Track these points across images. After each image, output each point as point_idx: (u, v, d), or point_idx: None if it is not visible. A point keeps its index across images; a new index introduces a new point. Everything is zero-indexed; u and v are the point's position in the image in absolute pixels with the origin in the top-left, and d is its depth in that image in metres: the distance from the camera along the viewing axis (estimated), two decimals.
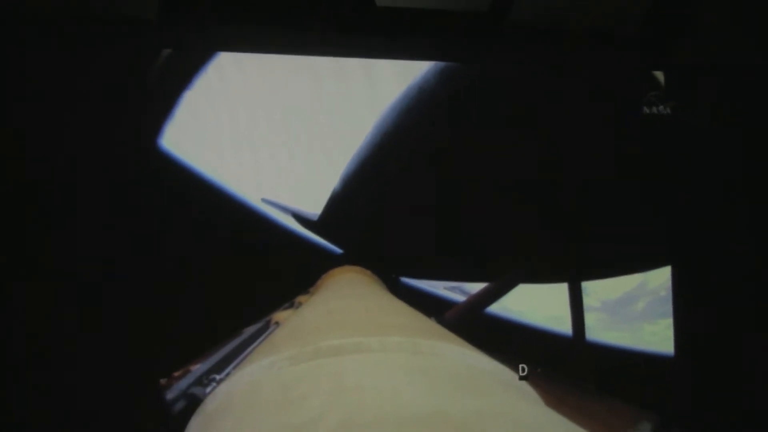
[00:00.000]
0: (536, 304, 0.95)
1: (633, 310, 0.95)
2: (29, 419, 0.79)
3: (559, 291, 0.96)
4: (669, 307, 0.95)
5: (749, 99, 0.97)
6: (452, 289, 0.96)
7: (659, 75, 0.97)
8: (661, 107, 0.96)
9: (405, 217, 0.94)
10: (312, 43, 0.91)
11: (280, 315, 0.90)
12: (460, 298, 0.95)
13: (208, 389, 0.81)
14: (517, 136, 0.96)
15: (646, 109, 0.96)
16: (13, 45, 0.83)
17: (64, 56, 0.84)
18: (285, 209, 0.93)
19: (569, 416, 0.77)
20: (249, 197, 0.91)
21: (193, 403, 0.80)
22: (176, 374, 0.83)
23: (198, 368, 0.83)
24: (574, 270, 0.96)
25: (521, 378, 0.87)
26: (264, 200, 0.91)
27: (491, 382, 0.79)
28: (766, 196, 0.96)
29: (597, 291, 0.96)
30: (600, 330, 0.94)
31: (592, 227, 0.97)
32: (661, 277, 0.96)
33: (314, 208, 0.94)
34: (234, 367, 0.83)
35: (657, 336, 0.94)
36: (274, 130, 0.91)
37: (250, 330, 0.88)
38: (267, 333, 0.88)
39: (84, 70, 0.84)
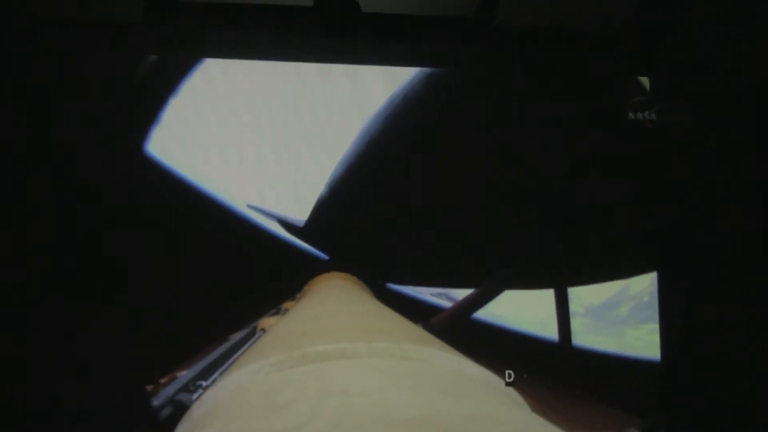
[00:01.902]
0: (522, 310, 0.95)
1: (616, 315, 0.96)
2: (16, 425, 0.79)
3: (545, 296, 0.96)
4: (651, 312, 0.95)
5: (736, 101, 0.97)
6: (438, 294, 0.96)
7: (644, 80, 0.97)
8: (646, 113, 0.96)
9: (391, 223, 0.94)
10: (298, 49, 0.91)
11: (266, 321, 0.90)
12: (447, 303, 0.95)
13: (195, 396, 0.81)
14: (503, 140, 0.97)
15: (631, 115, 0.96)
16: None
17: (49, 60, 0.84)
18: (271, 215, 0.93)
19: (555, 422, 0.78)
20: (235, 203, 0.91)
21: (179, 409, 0.80)
22: (162, 381, 0.83)
23: (184, 375, 0.83)
24: (560, 275, 0.96)
25: (508, 384, 0.88)
26: (250, 206, 0.91)
27: (477, 387, 0.79)
28: (754, 200, 0.96)
29: (580, 296, 0.96)
30: (585, 335, 0.94)
31: (579, 232, 0.97)
32: (643, 283, 0.96)
33: (300, 214, 0.94)
34: (220, 374, 0.82)
35: (641, 341, 0.95)
36: (260, 136, 0.91)
37: (236, 336, 0.88)
38: (253, 339, 0.88)
39: (69, 75, 0.84)
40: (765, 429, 0.94)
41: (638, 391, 0.93)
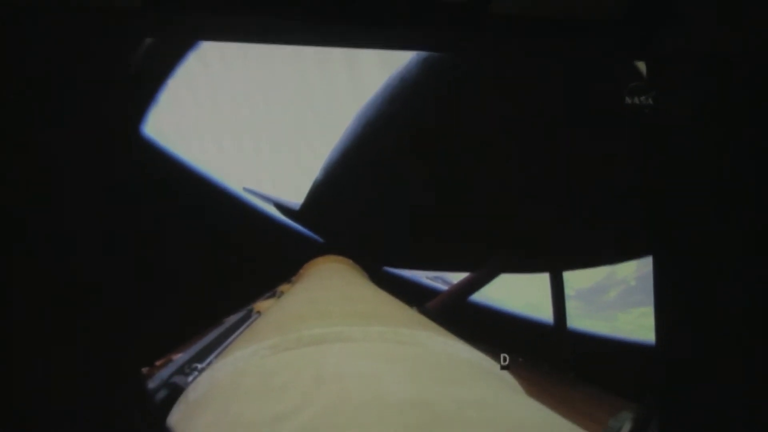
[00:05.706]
0: (517, 293, 0.96)
1: (605, 299, 0.96)
2: (12, 406, 0.79)
3: (540, 280, 0.96)
4: (640, 297, 0.95)
5: (735, 89, 0.97)
6: (434, 278, 0.96)
7: (641, 65, 0.97)
8: (642, 98, 0.96)
9: (387, 207, 0.94)
10: (294, 32, 0.91)
11: (262, 304, 0.90)
12: (442, 287, 0.95)
13: (190, 378, 0.81)
14: (499, 126, 0.96)
15: (628, 100, 0.96)
16: None
17: (45, 44, 0.83)
18: (267, 198, 0.93)
19: (550, 405, 0.78)
20: (231, 186, 0.91)
21: (175, 392, 0.80)
22: (158, 363, 0.83)
23: (180, 357, 0.83)
24: (556, 259, 0.97)
25: (503, 368, 0.88)
26: (246, 189, 0.91)
27: (472, 371, 0.80)
28: (750, 189, 0.96)
29: (570, 279, 0.96)
30: (579, 318, 0.95)
31: (573, 217, 0.98)
32: (630, 267, 0.97)
33: (296, 197, 0.94)
34: (216, 356, 0.83)
35: (632, 325, 0.95)
36: (256, 119, 0.91)
37: (232, 319, 0.88)
38: (249, 322, 0.88)
39: (66, 58, 0.84)
40: (759, 412, 0.95)
41: (632, 374, 0.94)
